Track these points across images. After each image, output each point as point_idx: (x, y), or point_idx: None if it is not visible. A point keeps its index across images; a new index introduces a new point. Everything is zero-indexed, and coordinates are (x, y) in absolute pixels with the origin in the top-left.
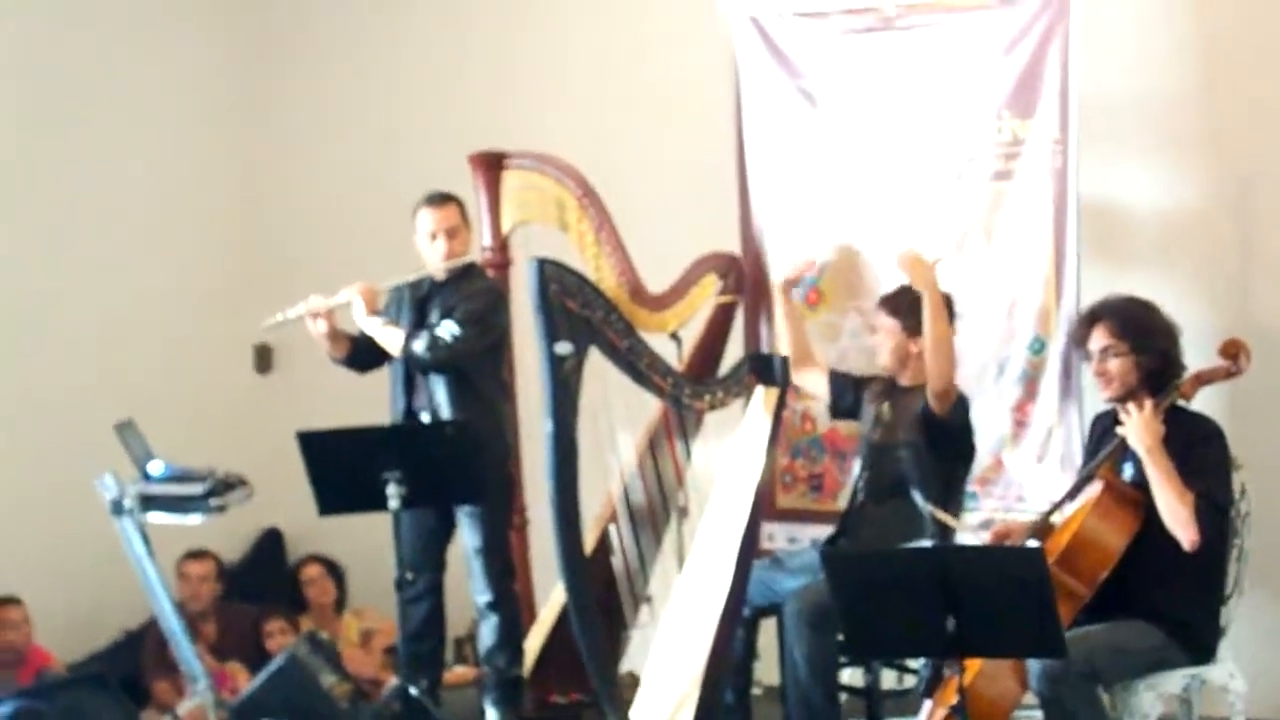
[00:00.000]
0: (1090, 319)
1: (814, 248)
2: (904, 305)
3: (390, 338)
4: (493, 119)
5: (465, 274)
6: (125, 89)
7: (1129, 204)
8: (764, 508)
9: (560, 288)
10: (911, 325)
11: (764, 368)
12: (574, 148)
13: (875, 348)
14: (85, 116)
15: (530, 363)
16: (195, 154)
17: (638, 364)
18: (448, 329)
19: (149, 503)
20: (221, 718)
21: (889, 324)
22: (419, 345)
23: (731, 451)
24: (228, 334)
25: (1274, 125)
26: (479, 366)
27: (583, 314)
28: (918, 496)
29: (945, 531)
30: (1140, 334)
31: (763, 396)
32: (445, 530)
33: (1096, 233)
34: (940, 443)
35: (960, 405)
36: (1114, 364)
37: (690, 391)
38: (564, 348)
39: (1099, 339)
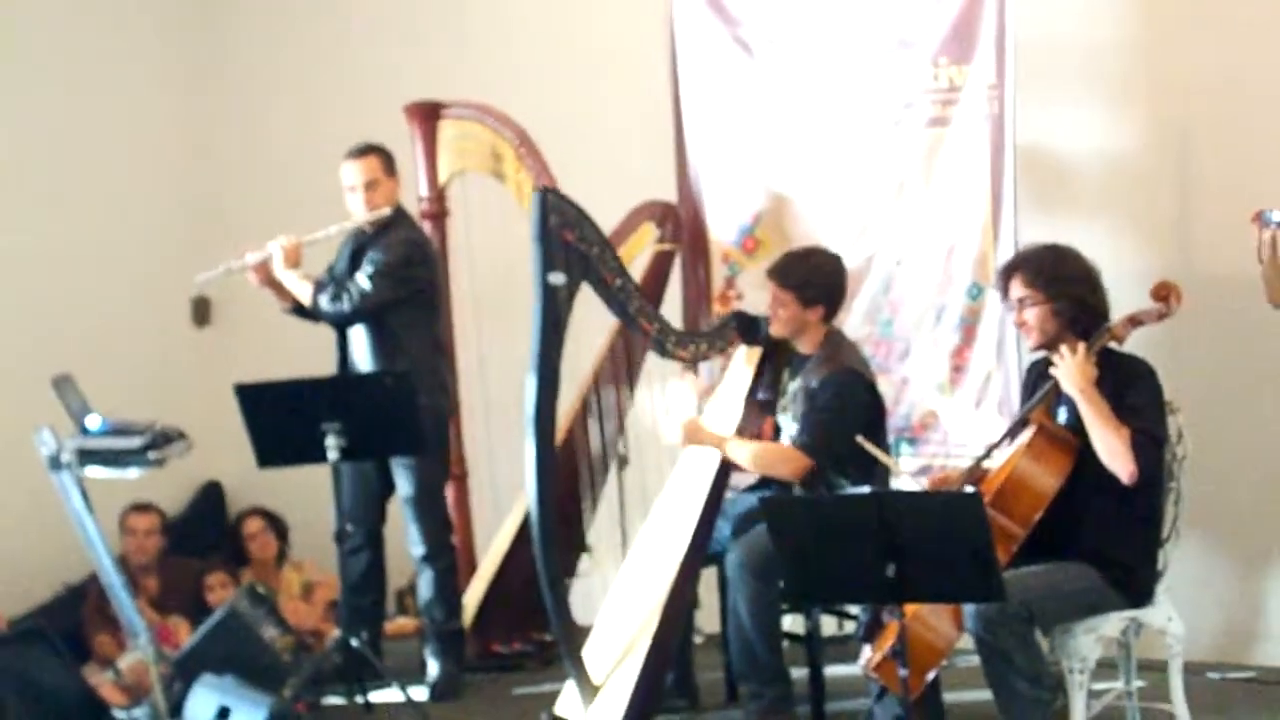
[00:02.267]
0: (1007, 271)
1: (750, 196)
2: (796, 276)
3: (303, 290)
4: (430, 70)
5: (391, 225)
6: (63, 43)
7: (1066, 149)
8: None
9: (560, 219)
10: (807, 295)
11: (749, 327)
12: (511, 98)
13: (769, 313)
14: (22, 71)
15: (485, 306)
16: (132, 107)
17: (627, 305)
18: (356, 281)
19: (87, 457)
20: (163, 671)
21: (784, 296)
22: (324, 298)
23: (714, 405)
24: (165, 287)
25: (1211, 69)
26: (401, 319)
27: (579, 247)
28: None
29: (883, 476)
30: (1052, 283)
31: (745, 353)
32: (384, 483)
33: (1034, 178)
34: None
35: (829, 419)
36: (1030, 314)
37: (675, 340)
38: (557, 278)
39: (1015, 290)
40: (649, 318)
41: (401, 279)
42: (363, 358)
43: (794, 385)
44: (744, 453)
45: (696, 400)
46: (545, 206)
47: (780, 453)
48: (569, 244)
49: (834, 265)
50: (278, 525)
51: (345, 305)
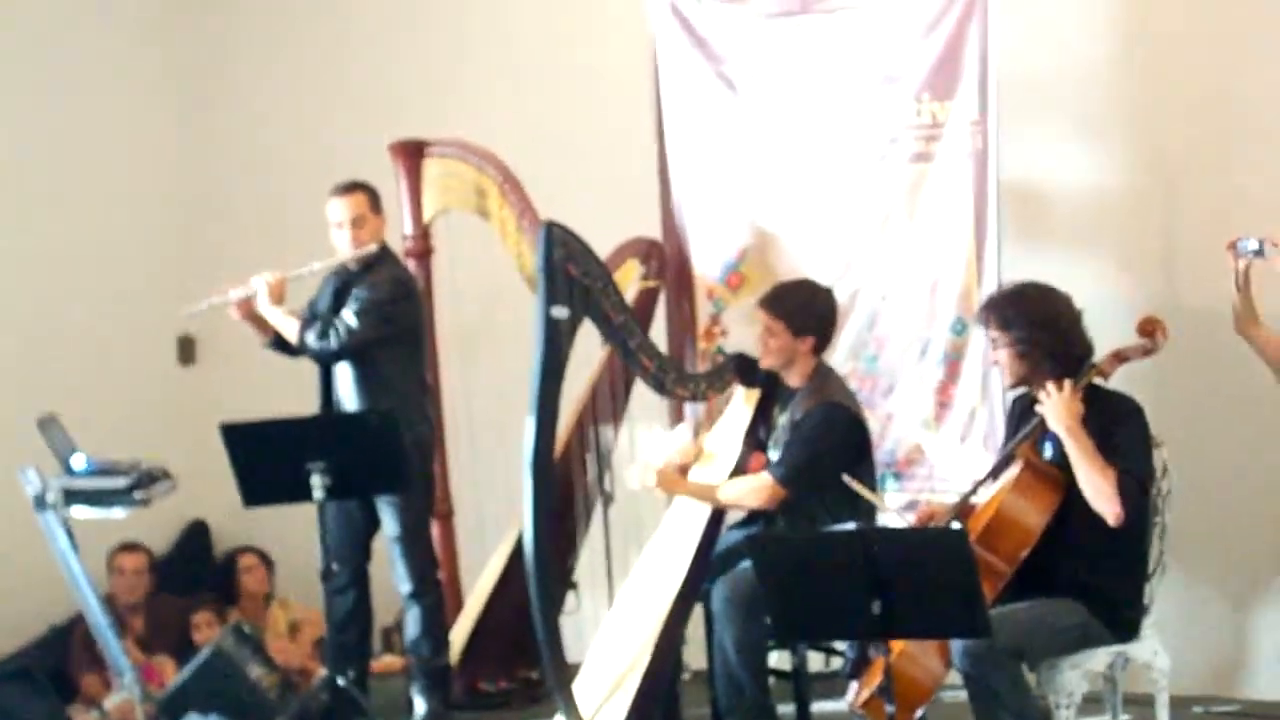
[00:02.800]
0: (982, 311)
1: (735, 232)
2: (789, 305)
3: (288, 327)
4: (416, 107)
5: (377, 262)
6: (51, 80)
7: (1050, 184)
8: None
9: (565, 252)
10: (799, 325)
11: (748, 369)
12: (495, 135)
13: (758, 345)
14: (11, 106)
15: (469, 344)
16: (119, 144)
17: (628, 341)
18: (343, 319)
19: (72, 497)
20: (149, 711)
21: (775, 325)
22: (311, 335)
23: (710, 447)
24: (151, 325)
25: (1194, 104)
26: (386, 356)
27: (583, 282)
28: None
29: (868, 511)
30: (1011, 325)
31: (744, 394)
32: (369, 520)
33: (1018, 213)
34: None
35: (808, 450)
36: (1000, 355)
37: (675, 378)
38: (560, 311)
39: (989, 331)
40: (649, 354)
41: (387, 317)
42: (348, 395)
43: (783, 419)
44: (718, 493)
45: (678, 449)
46: (551, 239)
47: (750, 482)
48: (573, 278)
49: (825, 296)
50: (268, 563)
51: (332, 342)
